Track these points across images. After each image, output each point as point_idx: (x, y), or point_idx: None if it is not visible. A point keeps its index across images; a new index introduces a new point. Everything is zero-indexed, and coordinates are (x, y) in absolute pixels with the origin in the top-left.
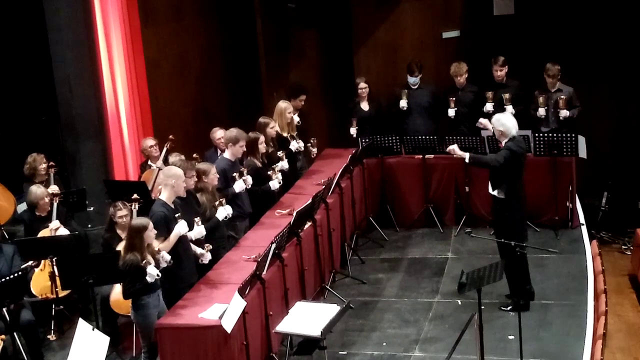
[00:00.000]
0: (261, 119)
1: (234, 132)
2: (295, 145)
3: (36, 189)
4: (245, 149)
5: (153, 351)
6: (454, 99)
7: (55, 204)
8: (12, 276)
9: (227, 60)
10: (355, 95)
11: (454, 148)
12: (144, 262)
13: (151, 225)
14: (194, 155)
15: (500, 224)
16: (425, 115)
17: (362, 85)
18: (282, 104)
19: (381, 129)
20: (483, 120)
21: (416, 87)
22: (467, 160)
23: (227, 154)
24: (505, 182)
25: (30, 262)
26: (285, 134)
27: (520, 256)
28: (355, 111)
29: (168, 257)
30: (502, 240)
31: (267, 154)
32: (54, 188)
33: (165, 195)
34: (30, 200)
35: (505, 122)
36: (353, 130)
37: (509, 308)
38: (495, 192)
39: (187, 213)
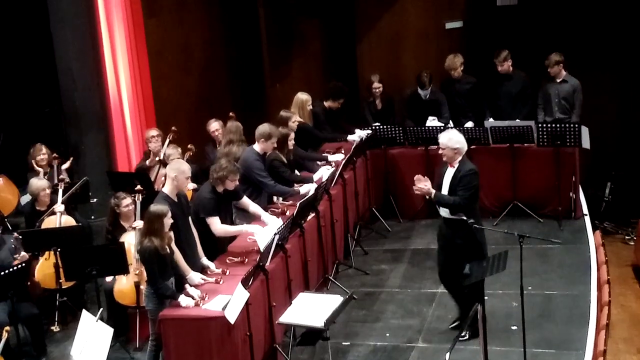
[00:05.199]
0: (283, 113)
1: (266, 127)
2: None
3: (37, 181)
4: (275, 146)
5: (160, 340)
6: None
7: (60, 190)
8: (15, 267)
9: (230, 51)
10: (369, 95)
11: (421, 187)
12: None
13: (169, 212)
14: (189, 145)
15: (464, 247)
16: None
17: (376, 85)
18: (303, 96)
19: (391, 121)
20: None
21: (427, 98)
22: (432, 197)
23: (257, 147)
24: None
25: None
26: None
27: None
28: (370, 110)
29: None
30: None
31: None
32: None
33: (167, 188)
34: (30, 191)
35: (459, 139)
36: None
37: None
38: (453, 216)
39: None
